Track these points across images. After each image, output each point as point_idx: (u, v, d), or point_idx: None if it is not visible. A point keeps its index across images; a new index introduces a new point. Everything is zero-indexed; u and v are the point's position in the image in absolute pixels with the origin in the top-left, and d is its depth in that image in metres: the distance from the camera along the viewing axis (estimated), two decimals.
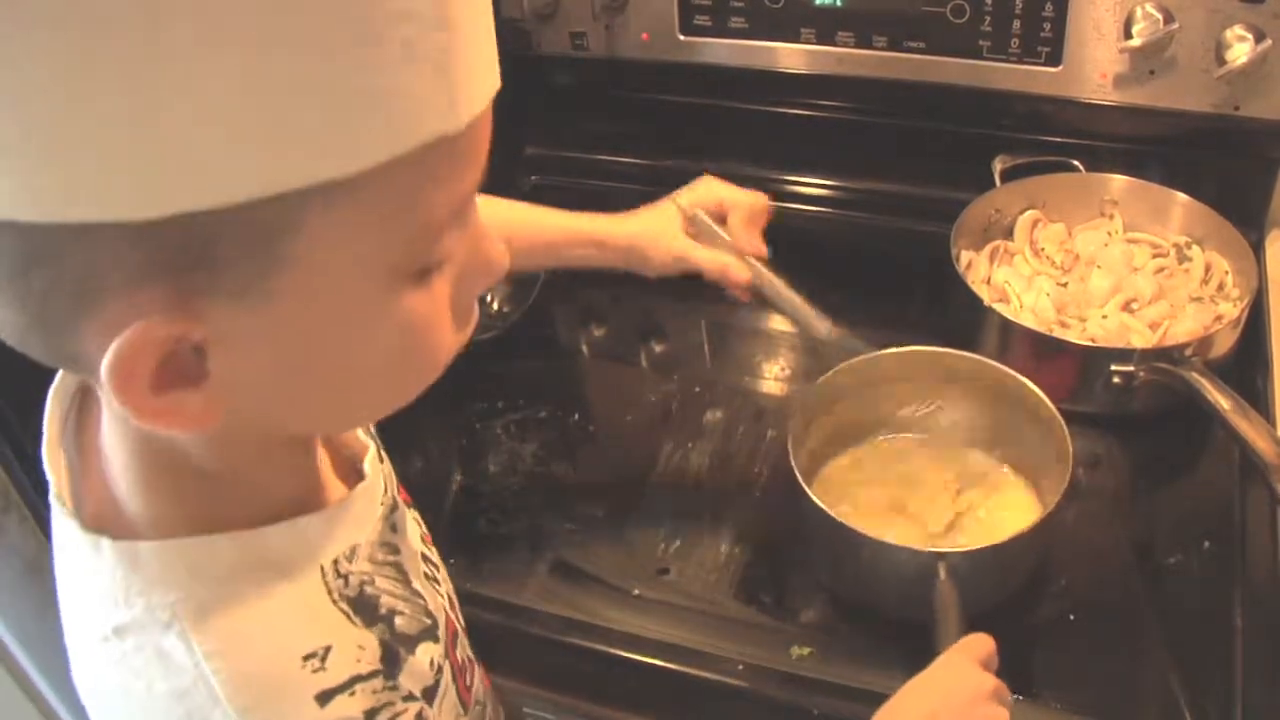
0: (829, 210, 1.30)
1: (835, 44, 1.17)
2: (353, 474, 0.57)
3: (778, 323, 1.15)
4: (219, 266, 0.36)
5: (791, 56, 1.20)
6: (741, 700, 0.81)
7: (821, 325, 0.90)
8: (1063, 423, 0.84)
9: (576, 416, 1.06)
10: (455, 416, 1.06)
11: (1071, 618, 0.83)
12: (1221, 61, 1.01)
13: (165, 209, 0.34)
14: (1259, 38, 0.99)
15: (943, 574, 0.76)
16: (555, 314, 1.20)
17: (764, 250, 0.91)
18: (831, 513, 0.80)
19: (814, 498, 0.81)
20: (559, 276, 1.16)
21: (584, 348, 1.21)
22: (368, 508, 0.55)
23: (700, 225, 0.91)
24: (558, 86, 1.33)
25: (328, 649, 0.47)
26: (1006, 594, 0.83)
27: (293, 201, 0.35)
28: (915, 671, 0.71)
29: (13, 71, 0.33)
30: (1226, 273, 1.04)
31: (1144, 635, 0.84)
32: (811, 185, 1.31)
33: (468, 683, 0.62)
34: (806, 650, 0.82)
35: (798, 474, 0.83)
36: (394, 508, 0.58)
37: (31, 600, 0.99)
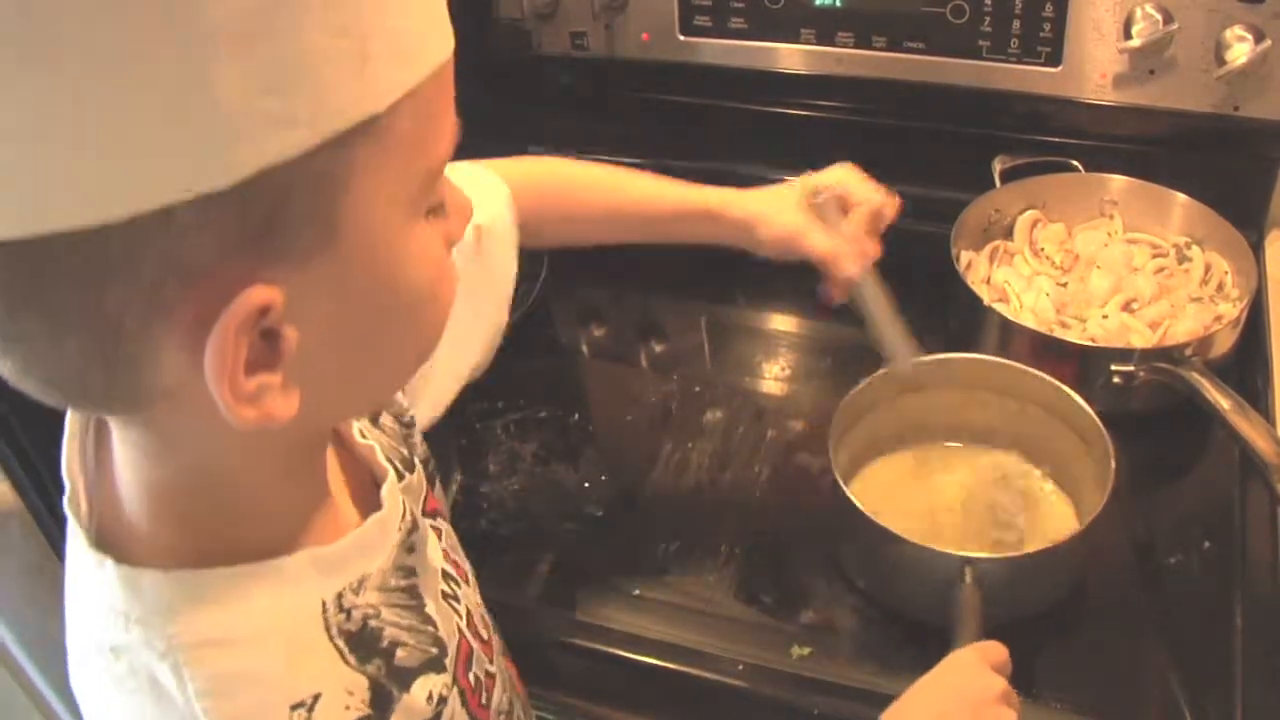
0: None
1: (835, 44, 1.17)
2: (371, 493, 0.56)
3: (778, 323, 1.15)
4: (289, 227, 0.38)
5: (791, 56, 1.20)
6: (741, 700, 0.81)
7: (905, 356, 0.85)
8: (1107, 437, 0.82)
9: (576, 416, 1.06)
10: (455, 416, 1.05)
11: (1057, 609, 0.83)
12: (1221, 62, 1.01)
13: (238, 174, 0.36)
14: (1259, 38, 0.99)
15: (968, 578, 0.76)
16: (555, 314, 1.20)
17: (878, 251, 0.87)
18: (864, 508, 0.79)
19: (850, 495, 0.80)
20: (559, 276, 1.16)
21: (584, 348, 1.21)
22: (381, 538, 0.54)
23: (822, 209, 0.86)
24: (558, 86, 1.33)
25: (316, 697, 0.47)
26: (1037, 607, 0.82)
27: (341, 145, 0.38)
28: (916, 671, 0.71)
29: (78, 62, 0.33)
30: (1226, 273, 1.04)
31: (1144, 635, 0.84)
32: None
33: (483, 701, 0.61)
34: (806, 650, 0.82)
35: (836, 473, 0.82)
36: (413, 529, 0.57)
37: (32, 601, 0.99)
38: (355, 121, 0.38)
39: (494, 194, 0.83)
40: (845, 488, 0.81)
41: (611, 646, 0.84)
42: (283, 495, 0.49)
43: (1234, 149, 1.09)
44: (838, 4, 1.15)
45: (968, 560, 0.77)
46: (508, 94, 1.33)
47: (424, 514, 0.62)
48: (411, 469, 0.62)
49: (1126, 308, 1.02)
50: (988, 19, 1.10)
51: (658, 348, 1.18)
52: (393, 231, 0.42)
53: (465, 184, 0.82)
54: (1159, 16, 1.02)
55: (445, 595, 0.59)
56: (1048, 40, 1.09)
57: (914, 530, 0.79)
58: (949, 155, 1.20)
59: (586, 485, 0.98)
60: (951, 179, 1.17)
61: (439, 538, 0.63)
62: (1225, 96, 1.05)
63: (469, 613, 0.62)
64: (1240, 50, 1.00)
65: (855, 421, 0.89)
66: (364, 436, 0.59)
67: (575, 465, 1.01)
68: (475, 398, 1.07)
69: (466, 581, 0.65)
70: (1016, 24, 1.09)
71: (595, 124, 1.36)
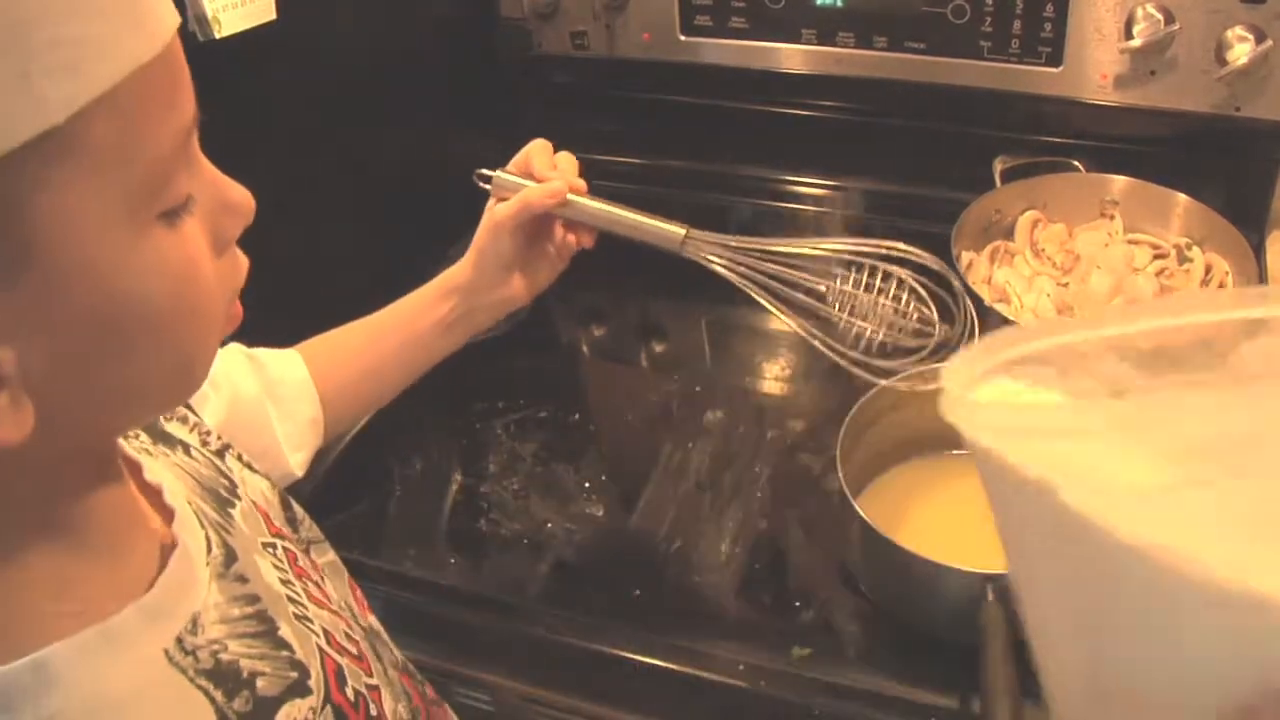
0: (829, 210, 1.30)
1: (835, 44, 1.17)
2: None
3: (778, 323, 1.15)
4: None
5: (791, 56, 1.20)
6: (741, 700, 0.81)
7: (676, 231, 0.85)
8: None
9: (576, 416, 1.06)
10: (455, 416, 1.06)
11: None
12: (1222, 62, 1.01)
13: None
14: (1259, 38, 0.99)
15: (991, 595, 0.75)
16: (555, 314, 1.20)
17: (580, 184, 0.87)
18: (880, 530, 0.78)
19: (863, 514, 0.79)
20: (559, 276, 1.16)
21: (584, 348, 1.21)
22: (191, 575, 0.51)
23: (501, 184, 0.87)
24: (558, 86, 1.33)
25: None
26: None
27: (18, 163, 0.36)
28: (914, 671, 0.71)
29: None
30: (1227, 273, 1.04)
31: None
32: (811, 185, 1.31)
33: (371, 713, 0.59)
34: (806, 650, 0.82)
35: (846, 490, 0.81)
36: (230, 560, 0.54)
37: None
38: (26, 139, 0.36)
39: (288, 358, 0.84)
40: (857, 506, 0.80)
41: (612, 647, 0.84)
42: (84, 524, 0.46)
43: (1235, 149, 1.09)
44: (838, 4, 1.15)
45: (990, 578, 0.75)
46: (508, 94, 1.33)
47: (271, 538, 0.60)
48: (236, 496, 0.60)
49: None
50: (988, 19, 1.10)
51: (658, 348, 1.18)
52: (109, 245, 0.40)
53: (267, 360, 0.79)
54: (1160, 17, 1.02)
55: (297, 617, 0.57)
56: (1048, 40, 1.09)
57: (928, 547, 0.78)
58: (949, 155, 1.20)
59: (586, 485, 0.98)
60: (951, 179, 1.17)
61: (289, 561, 0.61)
62: (1226, 97, 1.05)
63: (326, 632, 0.60)
64: (1241, 50, 1.00)
65: (860, 436, 0.88)
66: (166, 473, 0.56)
67: (575, 465, 1.00)
68: (475, 397, 1.07)
69: (321, 605, 0.62)
70: (1017, 24, 1.09)
71: (595, 124, 1.36)
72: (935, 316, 0.84)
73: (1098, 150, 1.13)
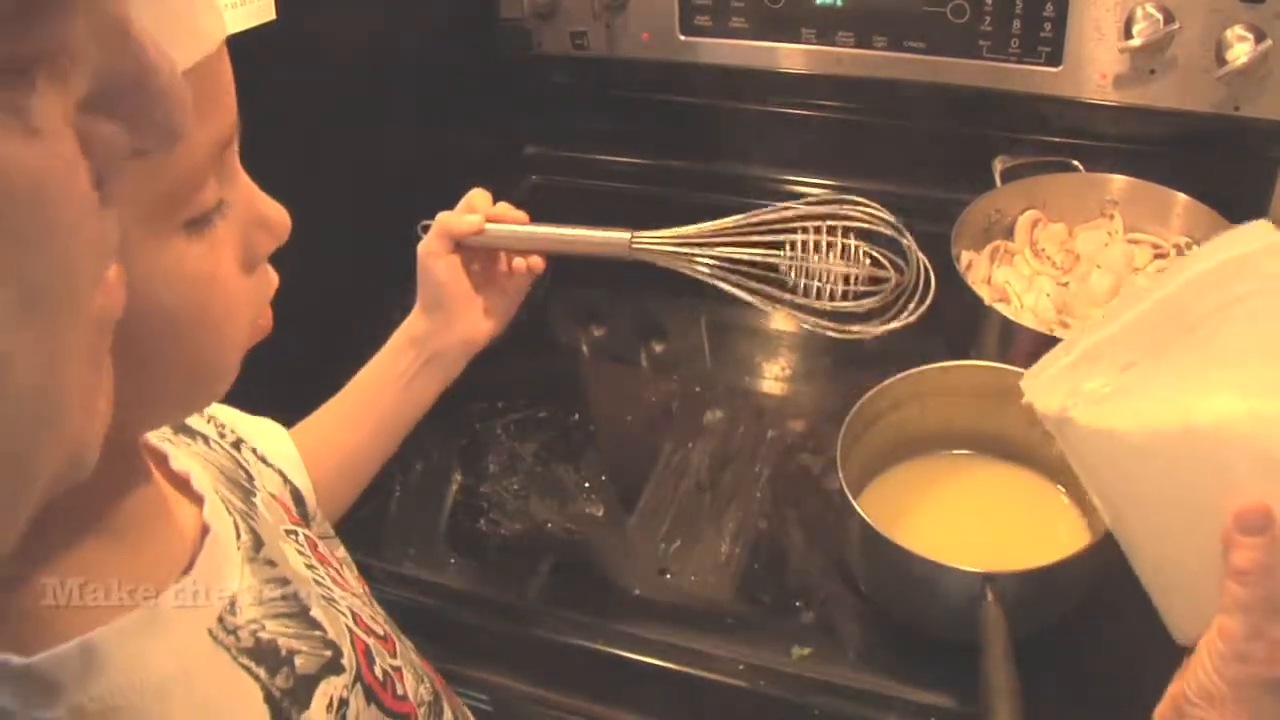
0: None
1: (835, 44, 1.17)
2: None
3: (778, 323, 1.15)
4: None
5: (791, 56, 1.20)
6: (741, 700, 0.81)
7: (621, 236, 0.88)
8: None
9: (576, 416, 1.06)
10: (455, 416, 1.06)
11: (1072, 618, 0.83)
12: (1222, 61, 1.02)
13: None
14: (1259, 38, 1.00)
15: (990, 595, 0.75)
16: (555, 314, 1.21)
17: (520, 215, 0.91)
18: (879, 528, 0.78)
19: (863, 514, 0.79)
20: (558, 277, 1.16)
21: (584, 348, 1.21)
22: (224, 559, 0.52)
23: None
24: (558, 86, 1.33)
25: None
26: (1056, 616, 0.81)
27: None
28: (914, 670, 0.71)
29: None
30: None
31: (1144, 635, 0.84)
32: (811, 185, 1.31)
33: (399, 693, 0.60)
34: (806, 650, 0.82)
35: (845, 489, 0.81)
36: (259, 546, 0.55)
37: None
38: None
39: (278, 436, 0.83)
40: (857, 505, 0.80)
41: (611, 646, 0.84)
42: (115, 516, 0.46)
43: (1234, 149, 1.09)
44: (838, 4, 1.15)
45: (989, 577, 0.75)
46: (508, 94, 1.33)
47: (292, 526, 0.62)
48: (255, 487, 0.61)
49: None
50: (988, 19, 1.10)
51: (658, 348, 1.18)
52: (129, 249, 0.39)
53: (257, 431, 0.77)
54: (1159, 16, 1.02)
55: (325, 599, 0.58)
56: (1048, 40, 1.09)
57: (927, 547, 0.77)
58: (949, 155, 1.20)
59: (586, 485, 0.98)
60: (951, 179, 1.17)
61: (310, 548, 0.62)
62: (1226, 96, 1.05)
63: (353, 613, 0.61)
64: (1241, 50, 1.00)
65: (860, 435, 0.88)
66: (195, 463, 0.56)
67: (575, 465, 1.00)
68: (475, 397, 1.07)
69: (344, 589, 0.63)
70: (1017, 24, 1.09)
71: (595, 124, 1.36)
72: (888, 265, 0.85)
73: (1098, 150, 1.13)
